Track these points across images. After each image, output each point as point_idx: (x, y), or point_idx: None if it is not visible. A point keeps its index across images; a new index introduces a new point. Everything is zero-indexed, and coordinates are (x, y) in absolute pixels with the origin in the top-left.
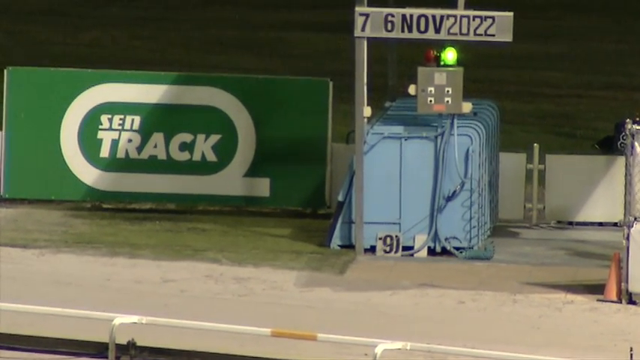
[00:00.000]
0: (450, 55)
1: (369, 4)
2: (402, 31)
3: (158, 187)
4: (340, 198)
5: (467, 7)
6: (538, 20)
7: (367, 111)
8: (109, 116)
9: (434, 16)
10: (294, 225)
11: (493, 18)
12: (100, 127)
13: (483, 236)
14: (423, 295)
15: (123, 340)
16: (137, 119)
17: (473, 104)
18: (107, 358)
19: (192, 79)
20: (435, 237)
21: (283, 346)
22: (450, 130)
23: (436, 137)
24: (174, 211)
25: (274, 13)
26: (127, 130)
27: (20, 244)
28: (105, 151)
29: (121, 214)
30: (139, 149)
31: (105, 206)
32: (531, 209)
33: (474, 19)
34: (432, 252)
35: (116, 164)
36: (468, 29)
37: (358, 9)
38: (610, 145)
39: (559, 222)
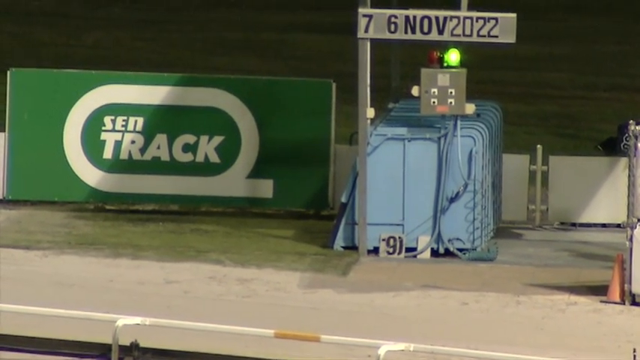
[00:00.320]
0: (453, 57)
1: (373, 6)
2: (406, 32)
3: (161, 188)
4: (343, 199)
5: (470, 8)
6: (541, 22)
7: (370, 112)
8: (112, 117)
9: (437, 18)
10: (297, 226)
11: (496, 19)
12: (103, 128)
13: (486, 237)
14: (426, 297)
15: (126, 342)
16: (140, 120)
17: (476, 105)
18: (110, 359)
19: (195, 80)
20: (439, 238)
21: (286, 347)
22: (453, 132)
23: (439, 138)
24: (177, 213)
25: (277, 15)
26: (130, 132)
27: (23, 246)
28: (108, 153)
29: (124, 216)
30: (142, 150)
31: (108, 207)
32: (534, 210)
33: (477, 21)
34: (435, 253)
35: (119, 165)
36: (472, 30)
37: (361, 10)
38: (613, 147)
39: (562, 223)
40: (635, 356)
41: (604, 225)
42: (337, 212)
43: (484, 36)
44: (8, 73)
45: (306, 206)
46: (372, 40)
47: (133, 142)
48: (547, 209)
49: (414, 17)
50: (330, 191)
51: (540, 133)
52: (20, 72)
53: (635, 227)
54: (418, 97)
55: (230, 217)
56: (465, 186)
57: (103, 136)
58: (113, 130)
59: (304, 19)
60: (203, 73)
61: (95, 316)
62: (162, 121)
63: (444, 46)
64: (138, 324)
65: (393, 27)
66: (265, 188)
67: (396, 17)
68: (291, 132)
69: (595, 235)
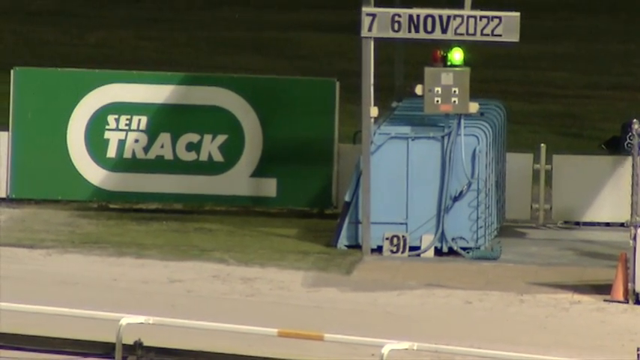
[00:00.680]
0: (456, 56)
1: (376, 5)
2: (409, 31)
3: (165, 187)
4: (347, 198)
5: (474, 7)
6: (545, 20)
7: (374, 111)
8: (116, 116)
9: (441, 17)
10: (300, 225)
11: (500, 18)
12: (107, 127)
13: (490, 236)
14: (429, 295)
15: (130, 341)
16: (144, 119)
17: (480, 104)
18: (114, 358)
19: (199, 79)
20: (442, 237)
21: (290, 346)
22: (457, 131)
23: (443, 137)
24: (181, 212)
25: (281, 14)
26: (133, 131)
27: (27, 245)
28: (112, 152)
29: (127, 215)
30: (146, 149)
31: (112, 206)
32: (538, 209)
33: (480, 20)
34: (438, 252)
35: (123, 164)
36: (475, 29)
37: (365, 9)
38: (617, 146)
39: (566, 222)
40: (638, 355)
41: (608, 224)
42: (341, 211)
43: (488, 35)
44: (12, 72)
45: (309, 205)
46: (376, 39)
47: (136, 141)
48: (551, 208)
49: (418, 16)
50: (333, 190)
51: (544, 132)
52: (24, 71)
53: (639, 226)
54: (422, 96)
55: (234, 215)
56: (469, 185)
57: (107, 135)
58: (117, 129)
59: (308, 17)
60: (207, 72)
61: (99, 315)
62: (166, 120)
63: (448, 45)
64: (141, 323)
65: (396, 26)
66: (269, 187)
67: (399, 16)
68: (294, 131)
69: (599, 234)
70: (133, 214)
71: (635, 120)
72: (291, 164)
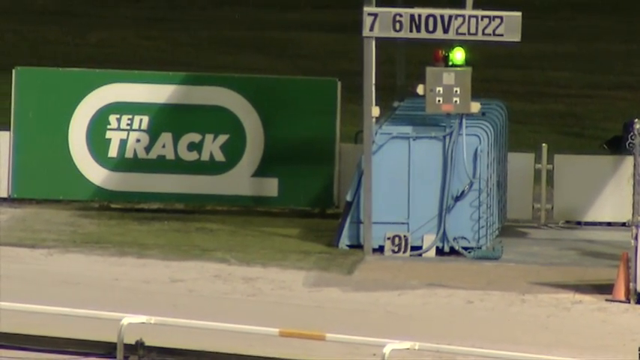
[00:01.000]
0: (458, 55)
1: (378, 4)
2: (411, 30)
3: (166, 187)
4: (348, 198)
5: (475, 7)
6: (546, 20)
7: (375, 111)
8: (118, 116)
9: (442, 16)
10: (302, 225)
11: (501, 18)
12: (109, 127)
13: (492, 236)
14: (431, 295)
15: (131, 340)
16: (145, 119)
17: (481, 104)
18: (115, 358)
19: (200, 79)
20: (444, 237)
21: (291, 346)
22: (459, 130)
23: (444, 137)
24: (182, 211)
25: (283, 13)
26: (135, 130)
27: (28, 244)
28: (113, 151)
29: (129, 214)
30: (148, 149)
31: (113, 206)
32: (540, 209)
33: (482, 19)
34: (440, 252)
35: (124, 164)
36: (477, 29)
37: (366, 9)
38: (618, 145)
39: (567, 222)
40: None
41: (609, 223)
42: (342, 211)
43: (489, 34)
44: (13, 71)
45: (311, 205)
46: (378, 39)
47: (138, 140)
48: (552, 208)
49: (419, 16)
50: (335, 190)
51: (545, 132)
52: (25, 70)
53: None
54: (423, 96)
55: (235, 215)
56: (470, 185)
57: (109, 134)
58: (118, 129)
59: (310, 17)
60: (208, 72)
61: (100, 315)
62: (168, 119)
63: (450, 45)
64: (143, 322)
65: (398, 25)
66: (270, 187)
67: (401, 16)
68: (296, 131)
69: (600, 233)
70: (135, 213)
71: (636, 119)
72: (293, 164)
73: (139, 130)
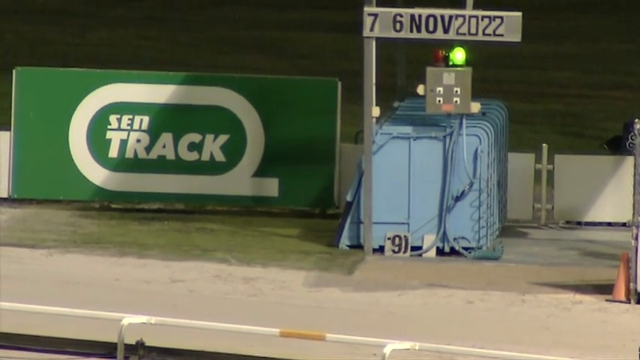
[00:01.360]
0: (458, 55)
1: (378, 4)
2: (411, 31)
3: (167, 187)
4: (349, 198)
5: (475, 7)
6: (547, 20)
7: (376, 111)
8: (118, 116)
9: (442, 16)
10: (302, 225)
11: (502, 18)
12: (109, 127)
13: (492, 236)
14: (431, 295)
15: (131, 341)
16: (146, 119)
17: (481, 104)
18: (116, 358)
19: (200, 79)
20: (444, 237)
21: (291, 346)
22: (459, 130)
23: (445, 137)
24: (182, 211)
25: (282, 13)
26: (135, 130)
27: (28, 244)
28: (113, 151)
29: (129, 214)
30: (148, 149)
31: (113, 206)
32: (540, 209)
33: (482, 19)
34: (440, 252)
35: (125, 164)
36: (477, 29)
37: (367, 9)
38: (618, 145)
39: (568, 222)
40: None
41: (609, 224)
42: (342, 211)
43: (489, 35)
44: (14, 71)
45: (311, 205)
46: (378, 39)
47: (138, 140)
48: (552, 208)
49: (420, 16)
50: (335, 190)
51: (546, 132)
52: (26, 71)
53: None
54: (424, 96)
55: (235, 215)
56: (471, 185)
57: (109, 134)
58: (119, 129)
59: (310, 17)
60: (208, 72)
61: (101, 315)
62: (168, 119)
63: (450, 45)
64: (143, 323)
65: (398, 26)
66: (271, 187)
67: (401, 16)
68: (296, 131)
69: (601, 233)
70: (135, 214)
71: (636, 120)
72: (293, 164)
73: (140, 130)
